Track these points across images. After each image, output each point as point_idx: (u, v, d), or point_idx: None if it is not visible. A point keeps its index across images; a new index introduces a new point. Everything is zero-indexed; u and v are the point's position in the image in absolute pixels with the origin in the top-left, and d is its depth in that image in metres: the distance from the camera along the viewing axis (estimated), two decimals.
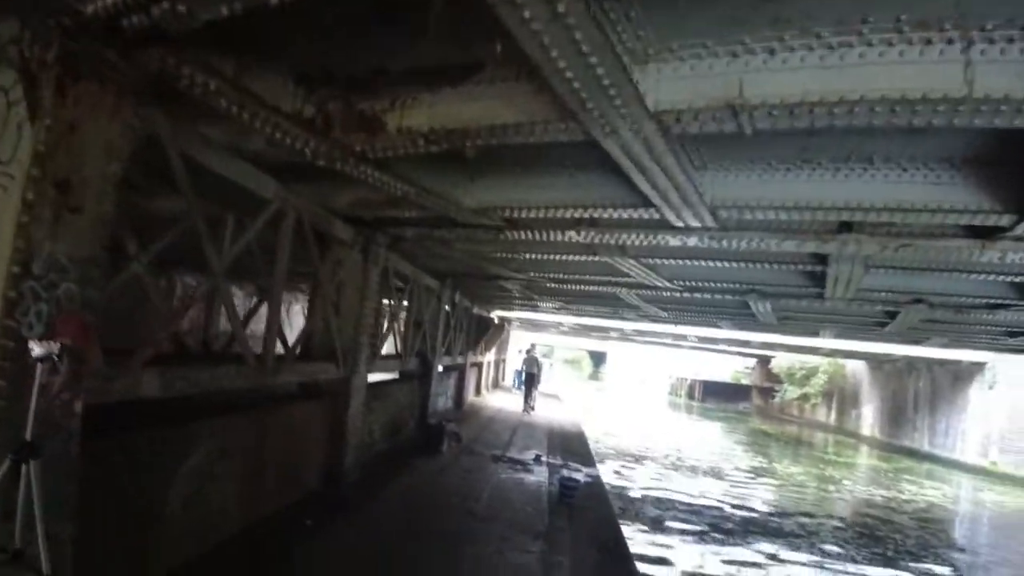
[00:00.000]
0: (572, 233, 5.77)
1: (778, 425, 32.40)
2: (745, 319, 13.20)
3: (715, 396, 44.50)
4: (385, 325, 10.00)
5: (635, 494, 12.67)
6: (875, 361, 26.25)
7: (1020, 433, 18.00)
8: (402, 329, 10.56)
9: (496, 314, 21.45)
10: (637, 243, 5.73)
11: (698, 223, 4.91)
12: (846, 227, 4.87)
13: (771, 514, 12.54)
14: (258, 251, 6.21)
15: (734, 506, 12.69)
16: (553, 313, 18.08)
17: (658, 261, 7.64)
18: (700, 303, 10.90)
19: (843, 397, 30.19)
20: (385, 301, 9.61)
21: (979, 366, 19.91)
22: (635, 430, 24.28)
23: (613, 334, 27.45)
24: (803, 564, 9.53)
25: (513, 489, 8.34)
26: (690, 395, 46.35)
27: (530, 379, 18.82)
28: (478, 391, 20.48)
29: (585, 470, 10.47)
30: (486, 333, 17.31)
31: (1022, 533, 13.47)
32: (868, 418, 27.49)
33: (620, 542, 6.53)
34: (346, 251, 7.09)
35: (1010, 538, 12.93)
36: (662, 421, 31.58)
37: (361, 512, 6.34)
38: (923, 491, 16.15)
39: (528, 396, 18.58)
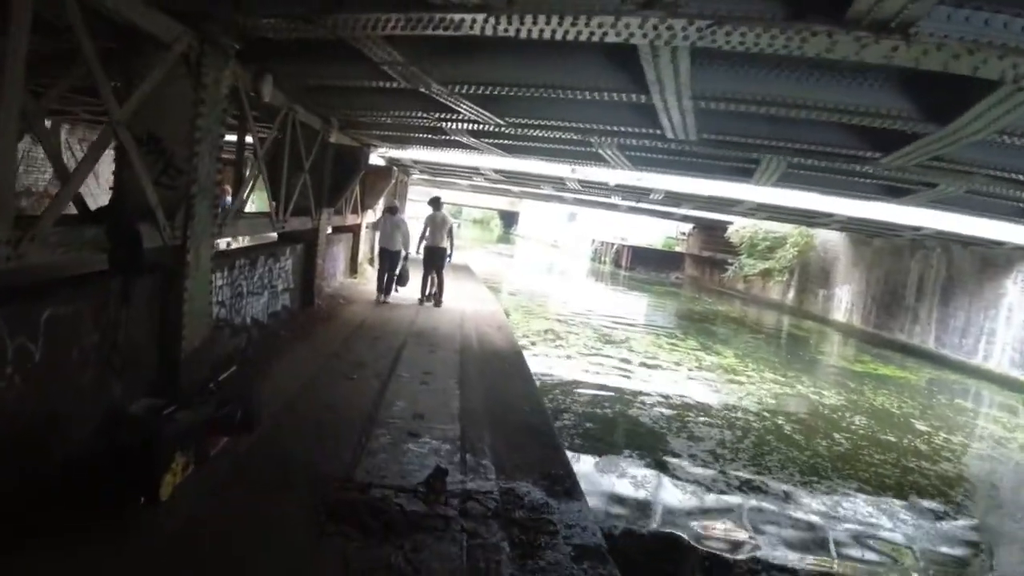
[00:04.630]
0: None
1: (727, 303, 27.53)
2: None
3: (644, 264, 39.28)
4: None
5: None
6: (860, 234, 21.16)
7: None
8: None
9: (381, 153, 14.17)
10: None
11: None
12: None
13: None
14: None
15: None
16: (471, 151, 11.02)
17: None
18: None
19: (807, 274, 25.32)
20: None
21: None
22: (578, 320, 17.92)
23: (544, 188, 20.78)
24: None
25: None
26: (616, 263, 40.97)
27: (434, 257, 11.76)
28: (353, 270, 13.59)
29: (560, 512, 4.12)
30: (352, 178, 10.08)
31: None
32: (843, 301, 22.75)
33: None
34: None
35: None
36: (604, 300, 25.44)
37: None
38: None
39: (426, 282, 11.76)
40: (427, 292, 11.74)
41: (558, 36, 3.84)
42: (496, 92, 5.87)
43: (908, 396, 12.75)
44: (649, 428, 8.25)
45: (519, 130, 7.98)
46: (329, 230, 11.66)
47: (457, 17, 3.84)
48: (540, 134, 8.11)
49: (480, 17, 3.78)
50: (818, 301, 24.54)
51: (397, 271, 11.52)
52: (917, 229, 15.63)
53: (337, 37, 4.67)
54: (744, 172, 9.16)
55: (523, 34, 3.90)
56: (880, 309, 20.75)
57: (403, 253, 11.54)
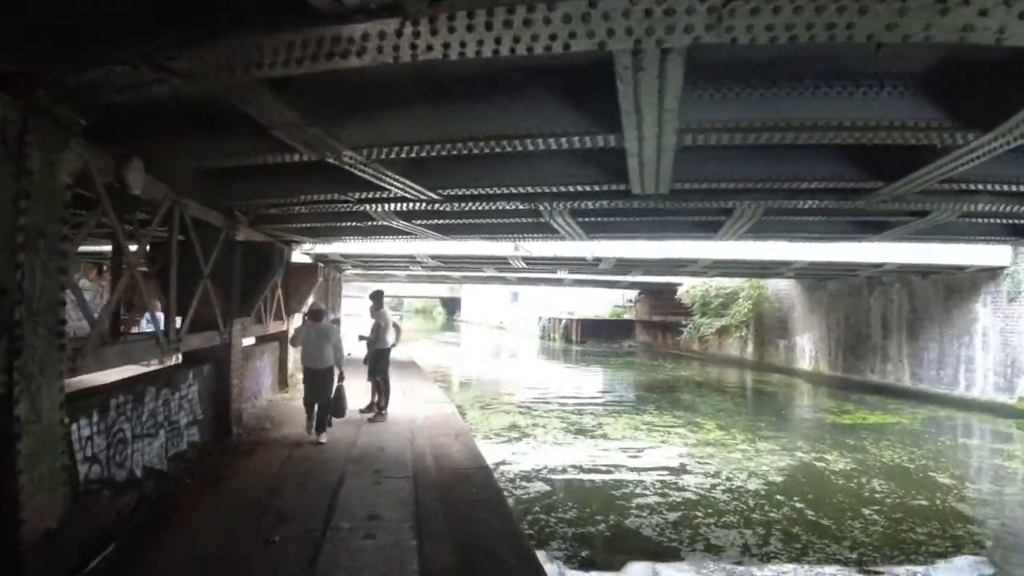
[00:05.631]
0: None
1: (687, 366, 26.56)
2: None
3: (595, 336, 38.45)
4: None
5: None
6: (813, 279, 20.91)
7: None
8: None
9: (306, 250, 12.88)
10: None
11: None
12: None
13: None
14: None
15: None
16: (404, 236, 9.76)
17: None
18: None
19: (763, 326, 24.79)
20: None
21: (991, 272, 14.58)
22: (541, 408, 16.27)
23: (486, 270, 19.76)
24: None
25: None
26: (567, 337, 39.90)
27: (380, 360, 9.97)
28: (283, 383, 11.95)
29: None
30: (266, 280, 8.67)
31: None
32: (806, 349, 22.17)
33: None
34: None
35: None
36: (563, 380, 23.86)
37: None
38: None
39: (375, 390, 10.11)
40: (372, 401, 10.14)
41: (504, 50, 2.72)
42: (424, 154, 4.71)
43: (911, 444, 11.77)
44: (656, 542, 6.79)
45: (456, 205, 6.85)
46: (252, 340, 10.18)
47: (358, 31, 2.68)
48: (480, 207, 7.00)
49: (391, 27, 2.63)
50: (779, 352, 23.92)
51: (331, 396, 8.31)
52: (878, 266, 15.20)
53: (205, 92, 3.48)
54: (710, 227, 8.26)
55: (454, 53, 2.77)
56: (847, 352, 20.18)
57: (337, 371, 8.45)
